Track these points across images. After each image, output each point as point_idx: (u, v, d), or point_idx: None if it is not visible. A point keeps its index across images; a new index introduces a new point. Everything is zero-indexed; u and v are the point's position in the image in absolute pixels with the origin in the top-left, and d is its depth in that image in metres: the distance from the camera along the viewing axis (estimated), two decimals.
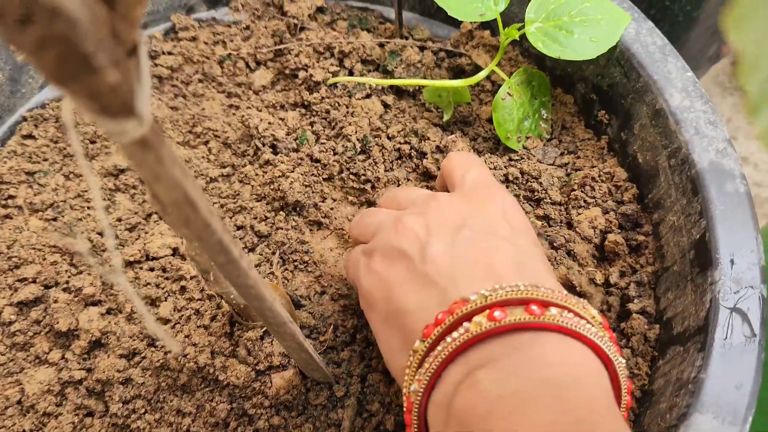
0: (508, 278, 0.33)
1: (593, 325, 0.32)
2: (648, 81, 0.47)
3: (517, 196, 0.50)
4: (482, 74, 0.52)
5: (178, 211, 0.23)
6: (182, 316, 0.46)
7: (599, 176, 0.51)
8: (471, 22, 0.59)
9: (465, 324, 0.31)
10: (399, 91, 0.58)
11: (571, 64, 0.55)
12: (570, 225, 0.49)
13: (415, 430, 0.33)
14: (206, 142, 0.57)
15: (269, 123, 0.55)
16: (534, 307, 0.31)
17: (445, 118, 0.55)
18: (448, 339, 0.31)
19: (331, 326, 0.46)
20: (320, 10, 0.63)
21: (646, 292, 0.46)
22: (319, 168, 0.53)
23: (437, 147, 0.53)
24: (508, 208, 0.40)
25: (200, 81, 0.60)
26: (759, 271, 0.39)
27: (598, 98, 0.53)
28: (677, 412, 0.36)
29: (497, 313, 0.30)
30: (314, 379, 0.43)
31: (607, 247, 0.48)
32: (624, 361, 0.33)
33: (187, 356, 0.44)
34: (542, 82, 0.54)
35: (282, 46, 0.59)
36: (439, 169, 0.53)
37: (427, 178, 0.53)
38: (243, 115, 0.55)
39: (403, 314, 0.35)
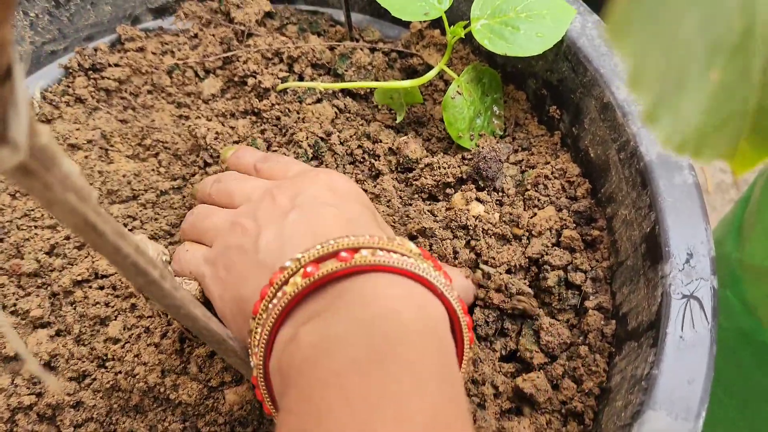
0: (331, 233, 0.35)
1: (411, 258, 0.33)
2: (595, 75, 0.47)
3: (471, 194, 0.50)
4: (431, 74, 0.51)
5: (82, 236, 0.22)
6: (132, 334, 0.45)
7: (552, 173, 0.50)
8: (420, 22, 0.59)
9: (284, 288, 0.32)
10: (351, 95, 0.57)
11: (520, 60, 0.54)
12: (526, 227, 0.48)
13: (269, 404, 0.34)
14: (156, 155, 0.56)
15: (218, 132, 0.53)
16: (344, 254, 0.32)
17: (398, 119, 0.55)
18: (270, 306, 0.32)
19: None
20: (269, 15, 0.62)
21: (602, 287, 0.46)
22: None
23: (390, 149, 0.52)
24: (335, 181, 0.41)
25: (149, 92, 0.59)
26: (709, 263, 0.39)
27: (549, 94, 0.53)
28: (631, 410, 0.35)
29: (310, 269, 0.31)
30: None
31: (563, 243, 0.47)
32: (447, 282, 0.34)
33: (137, 376, 0.43)
34: (493, 79, 0.54)
35: (230, 54, 0.58)
36: (391, 170, 0.52)
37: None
38: (191, 126, 0.54)
39: (245, 303, 0.36)
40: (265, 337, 0.32)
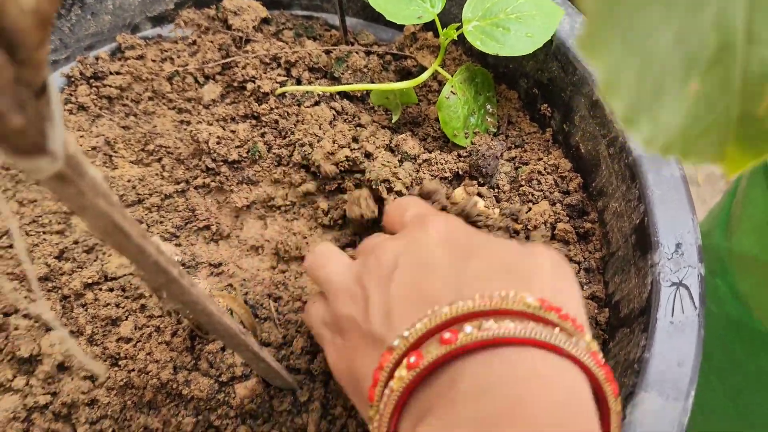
0: (441, 300, 0.31)
1: (529, 319, 0.29)
2: (584, 73, 0.49)
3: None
4: (425, 75, 0.53)
5: (109, 239, 0.23)
6: (143, 333, 0.47)
7: (545, 169, 0.52)
8: (414, 25, 0.60)
9: (390, 384, 0.29)
10: (348, 97, 0.59)
11: (512, 60, 0.56)
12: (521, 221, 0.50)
13: None
14: (159, 159, 0.57)
15: (219, 137, 0.55)
16: (447, 334, 0.28)
17: (394, 119, 0.56)
18: (384, 393, 0.30)
19: (295, 334, 0.47)
20: (265, 21, 0.63)
21: (596, 277, 0.48)
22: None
23: (387, 145, 0.54)
24: (447, 230, 0.36)
25: (150, 99, 0.61)
26: (696, 251, 0.41)
27: (540, 92, 0.55)
28: (624, 392, 0.37)
29: (413, 359, 0.28)
30: (277, 386, 0.44)
31: (557, 236, 0.49)
32: (582, 340, 0.29)
33: (150, 373, 0.44)
34: (485, 79, 0.55)
35: (229, 60, 0.59)
36: None
37: None
38: (192, 131, 0.55)
39: (360, 381, 0.34)
40: (384, 428, 0.30)
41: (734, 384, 0.73)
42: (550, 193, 0.51)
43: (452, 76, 0.53)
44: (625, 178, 0.45)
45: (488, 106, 0.55)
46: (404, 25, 0.61)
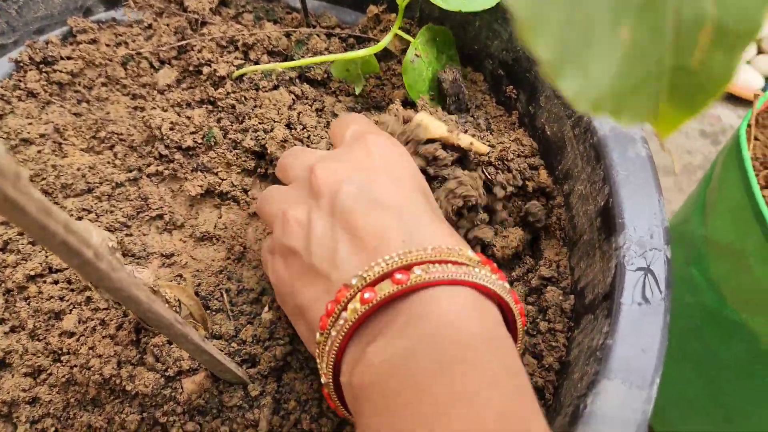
0: (388, 246, 0.34)
1: (469, 266, 0.33)
2: None
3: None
4: (386, 40, 0.51)
5: (9, 215, 0.21)
6: (87, 327, 0.44)
7: (513, 151, 0.50)
8: (377, 6, 0.58)
9: (343, 314, 0.33)
10: (308, 81, 0.57)
11: (476, 41, 0.54)
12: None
13: (342, 410, 0.36)
14: (111, 147, 0.55)
15: (173, 122, 0.53)
16: (399, 275, 0.32)
17: (357, 91, 0.54)
18: (336, 327, 0.33)
19: (246, 325, 0.45)
20: (224, 3, 0.61)
21: (563, 263, 0.46)
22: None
23: None
24: (385, 153, 0.40)
25: (104, 84, 0.58)
26: (662, 233, 0.39)
27: (505, 73, 0.53)
28: (587, 380, 0.35)
29: (367, 294, 0.32)
30: (227, 380, 0.42)
31: (524, 221, 0.47)
32: (507, 285, 0.34)
33: (92, 368, 0.42)
34: (446, 38, 0.53)
35: (184, 43, 0.57)
36: None
37: None
38: (146, 117, 0.53)
39: (304, 310, 0.36)
40: (333, 355, 0.33)
41: (709, 373, 0.72)
42: (518, 175, 0.49)
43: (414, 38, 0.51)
44: (590, 159, 0.43)
45: (452, 65, 0.53)
46: (367, 7, 0.58)
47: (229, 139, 0.53)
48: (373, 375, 0.31)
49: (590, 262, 0.42)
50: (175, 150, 0.53)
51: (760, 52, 1.25)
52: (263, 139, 0.51)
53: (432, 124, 0.45)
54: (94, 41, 0.60)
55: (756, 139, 0.71)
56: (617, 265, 0.38)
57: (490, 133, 0.52)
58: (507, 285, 0.34)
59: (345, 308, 0.33)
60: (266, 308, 0.45)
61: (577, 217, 0.45)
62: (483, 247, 0.47)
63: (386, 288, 0.32)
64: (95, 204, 0.51)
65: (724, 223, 0.65)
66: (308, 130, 0.52)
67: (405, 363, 0.30)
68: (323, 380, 0.35)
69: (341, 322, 0.33)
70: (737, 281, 0.63)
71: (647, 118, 0.18)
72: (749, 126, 0.63)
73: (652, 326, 0.36)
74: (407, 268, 0.32)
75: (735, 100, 1.19)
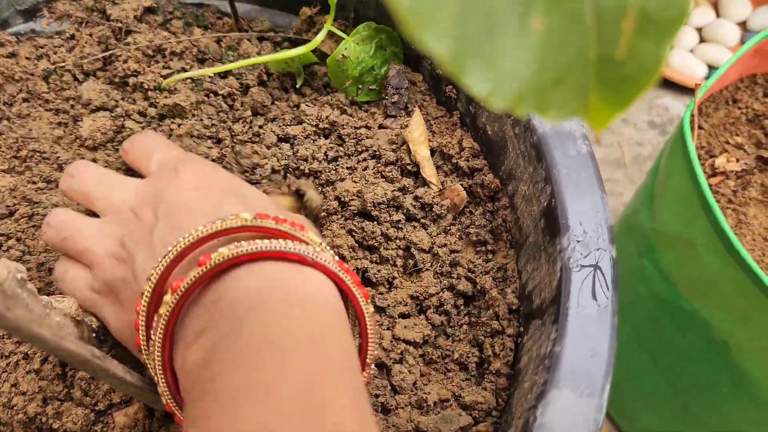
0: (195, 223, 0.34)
1: (278, 233, 0.33)
2: None
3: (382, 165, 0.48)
4: (320, 36, 0.49)
5: None
6: (9, 362, 0.41)
7: (456, 153, 0.49)
8: (311, 8, 0.56)
9: (159, 311, 0.32)
10: (246, 88, 0.54)
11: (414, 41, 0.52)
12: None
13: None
14: (35, 165, 0.52)
15: (103, 134, 0.50)
16: (201, 258, 0.31)
17: (298, 83, 0.53)
18: (157, 332, 0.32)
19: None
20: (150, 10, 0.58)
21: (510, 266, 0.45)
22: None
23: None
24: (193, 172, 0.39)
25: (25, 100, 0.55)
26: (607, 232, 0.38)
27: (443, 74, 0.51)
28: (536, 391, 0.34)
29: (174, 284, 0.31)
30: (161, 409, 0.39)
31: (474, 220, 0.46)
32: (314, 249, 0.33)
33: (15, 407, 0.39)
34: (390, 35, 0.52)
35: (108, 53, 0.54)
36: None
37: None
38: (72, 132, 0.50)
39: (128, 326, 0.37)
40: (159, 364, 0.33)
41: (666, 362, 0.72)
42: (460, 178, 0.48)
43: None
44: (531, 158, 0.42)
45: (394, 63, 0.52)
46: (300, 10, 0.56)
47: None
48: (191, 381, 0.30)
49: (536, 265, 0.41)
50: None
51: (702, 40, 1.26)
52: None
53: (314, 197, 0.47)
54: (12, 55, 0.56)
55: (700, 128, 0.71)
56: (562, 267, 0.37)
57: (432, 134, 0.51)
58: (327, 249, 0.34)
59: (152, 315, 0.32)
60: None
61: (522, 218, 0.44)
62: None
63: (192, 274, 0.31)
64: (16, 228, 0.48)
65: (671, 213, 0.65)
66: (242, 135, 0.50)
67: (212, 361, 0.29)
68: (159, 389, 0.33)
69: (157, 320, 0.32)
70: (688, 271, 0.63)
71: (577, 112, 0.17)
72: (692, 115, 0.63)
73: (600, 329, 0.35)
74: (208, 252, 0.32)
75: (682, 90, 1.20)
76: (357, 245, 0.45)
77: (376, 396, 0.41)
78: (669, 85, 1.20)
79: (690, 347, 0.68)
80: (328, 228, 0.46)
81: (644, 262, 0.70)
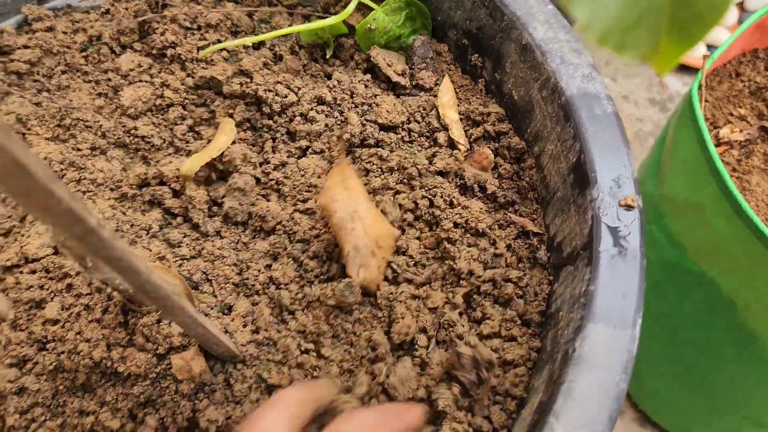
0: None
1: None
2: (512, 18, 0.48)
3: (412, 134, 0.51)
4: (351, 6, 0.52)
5: (10, 182, 0.21)
6: (71, 313, 0.44)
7: (481, 118, 0.51)
8: None
9: None
10: (279, 58, 0.56)
11: (439, 11, 0.55)
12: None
13: None
14: (79, 133, 0.54)
15: (144, 102, 0.52)
16: None
17: (328, 54, 0.56)
18: None
19: (234, 302, 0.45)
20: None
21: (538, 222, 0.47)
22: None
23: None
24: None
25: (64, 72, 0.57)
26: (633, 184, 0.41)
27: (469, 43, 0.54)
28: (573, 326, 0.37)
29: None
30: (218, 356, 0.42)
31: (502, 175, 0.49)
32: None
33: (81, 353, 0.42)
34: (420, 9, 0.55)
35: (146, 26, 0.56)
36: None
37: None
38: (113, 102, 0.52)
39: None
40: None
41: (671, 325, 0.75)
42: (486, 142, 0.50)
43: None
44: (559, 119, 0.45)
45: (420, 34, 0.55)
46: None
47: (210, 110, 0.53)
48: None
49: (565, 217, 0.44)
50: (144, 136, 0.52)
51: None
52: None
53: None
54: (50, 29, 0.58)
55: (705, 101, 0.74)
56: (593, 216, 0.40)
57: (459, 103, 0.53)
58: None
59: None
60: None
61: (549, 176, 0.47)
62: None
63: None
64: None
65: (680, 181, 0.68)
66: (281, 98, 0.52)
67: None
68: None
69: None
70: (696, 235, 0.66)
71: (648, 55, 0.19)
72: (700, 86, 0.66)
73: (630, 271, 0.38)
74: None
75: (682, 69, 1.23)
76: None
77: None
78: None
79: (695, 310, 0.71)
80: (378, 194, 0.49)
81: (652, 228, 0.73)
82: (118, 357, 0.41)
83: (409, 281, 0.46)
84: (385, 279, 0.47)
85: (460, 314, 0.45)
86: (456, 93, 0.54)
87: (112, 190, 0.51)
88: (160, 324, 0.42)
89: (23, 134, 0.54)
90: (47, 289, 0.46)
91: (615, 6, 0.17)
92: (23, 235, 0.49)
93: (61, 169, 0.51)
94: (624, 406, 0.95)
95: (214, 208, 0.51)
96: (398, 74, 0.54)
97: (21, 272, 0.46)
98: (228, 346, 0.41)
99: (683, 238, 0.68)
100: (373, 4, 0.53)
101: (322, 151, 0.52)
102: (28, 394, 0.43)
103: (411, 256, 0.47)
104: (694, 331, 0.73)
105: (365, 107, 0.53)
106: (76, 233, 0.25)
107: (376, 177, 0.50)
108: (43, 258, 0.47)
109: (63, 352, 0.43)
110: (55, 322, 0.44)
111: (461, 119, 0.52)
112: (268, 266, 0.48)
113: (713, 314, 0.69)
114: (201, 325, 0.36)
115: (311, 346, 0.44)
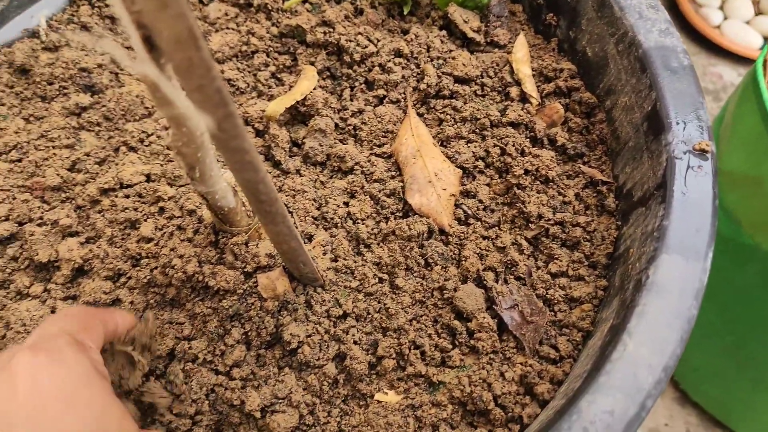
0: None
1: None
2: None
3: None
4: None
5: (180, 52, 0.24)
6: (164, 233, 0.47)
7: (553, 74, 0.53)
8: None
9: None
10: (360, 11, 0.59)
11: None
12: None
13: None
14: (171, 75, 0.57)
15: (231, 47, 0.55)
16: None
17: (405, 11, 0.58)
18: None
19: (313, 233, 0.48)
20: None
21: (606, 173, 0.49)
22: None
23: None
24: (39, 391, 0.32)
25: None
26: (707, 130, 0.42)
27: (545, 2, 0.56)
28: (646, 257, 0.39)
29: None
30: (301, 277, 0.45)
31: (572, 129, 0.51)
32: None
33: (175, 267, 0.45)
34: None
35: None
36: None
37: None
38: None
39: None
40: None
41: (722, 299, 0.76)
42: (557, 97, 0.52)
43: None
44: (635, 71, 0.47)
45: None
46: None
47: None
48: None
49: (637, 164, 0.45)
50: (229, 79, 0.55)
51: (758, 13, 1.29)
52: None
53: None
54: None
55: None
56: (668, 158, 0.41)
57: (531, 60, 0.55)
58: None
59: None
60: None
61: (621, 127, 0.48)
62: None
63: None
64: (154, 127, 0.54)
65: (739, 155, 0.69)
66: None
67: None
68: None
69: None
70: (752, 206, 0.67)
71: None
72: (765, 60, 0.67)
73: (702, 209, 0.39)
74: None
75: (736, 58, 1.23)
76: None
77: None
78: (724, 53, 1.23)
79: (748, 284, 0.72)
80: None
81: None
82: (209, 272, 0.44)
83: (479, 221, 0.49)
84: (457, 220, 0.49)
85: (527, 256, 0.47)
86: (529, 51, 0.56)
87: None
88: (248, 246, 0.45)
89: (116, 74, 0.57)
90: (141, 212, 0.49)
91: None
92: (117, 164, 0.52)
93: (152, 107, 0.55)
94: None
95: (294, 149, 0.54)
96: (474, 31, 0.56)
97: (116, 196, 0.50)
98: (313, 266, 0.43)
99: (739, 211, 0.69)
100: None
101: (397, 101, 0.55)
102: (122, 305, 0.46)
103: (481, 200, 0.50)
104: (746, 305, 0.74)
105: (441, 61, 0.55)
106: (218, 115, 0.27)
107: (449, 126, 0.52)
108: (136, 184, 0.50)
109: (156, 267, 0.46)
110: (149, 240, 0.47)
111: (533, 75, 0.54)
112: (346, 203, 0.50)
113: (766, 288, 0.70)
114: (296, 238, 0.39)
115: (386, 276, 0.47)
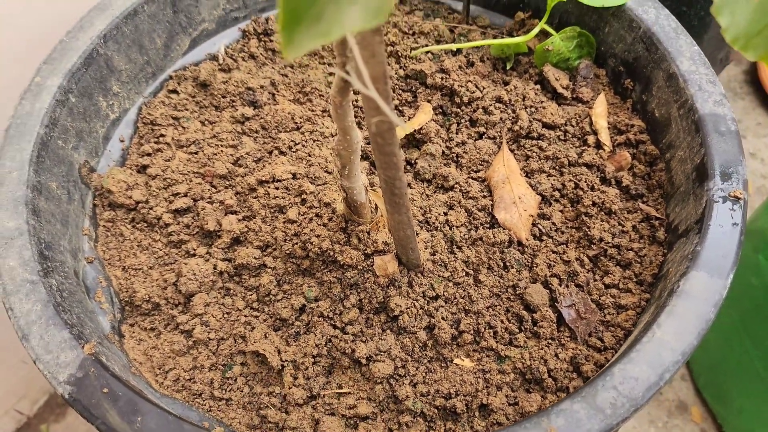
0: None
1: None
2: (664, 52, 0.62)
3: (564, 140, 0.65)
4: (534, 31, 0.67)
5: (376, 84, 0.37)
6: (306, 218, 0.61)
7: (625, 129, 0.65)
8: (524, 12, 0.74)
9: None
10: (471, 64, 0.73)
11: (604, 43, 0.69)
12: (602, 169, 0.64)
13: None
14: (312, 100, 0.72)
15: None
16: None
17: (508, 66, 0.71)
18: None
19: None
20: (401, 1, 0.78)
21: (660, 211, 0.60)
22: None
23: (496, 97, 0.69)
24: None
25: (306, 55, 0.76)
26: (742, 182, 0.53)
27: (624, 69, 0.68)
28: (680, 273, 0.50)
29: None
30: (407, 263, 0.58)
31: (637, 173, 0.62)
32: None
33: (313, 242, 0.59)
34: (588, 39, 0.70)
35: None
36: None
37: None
38: None
39: None
40: None
41: (767, 346, 0.84)
42: (628, 148, 0.64)
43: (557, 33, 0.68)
44: (690, 131, 0.58)
45: (585, 59, 0.70)
46: (515, 13, 0.75)
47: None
48: None
49: (684, 205, 0.57)
50: (360, 107, 0.70)
51: None
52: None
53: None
54: None
55: None
56: (707, 200, 0.53)
57: (609, 116, 0.68)
58: None
59: None
60: None
61: (676, 176, 0.60)
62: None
63: None
64: (301, 138, 0.69)
65: None
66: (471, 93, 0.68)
67: None
68: None
69: None
70: None
71: (763, 56, 0.33)
72: None
73: (731, 241, 0.50)
74: None
75: None
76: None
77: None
78: None
79: None
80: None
81: (759, 257, 0.83)
82: (338, 250, 0.58)
83: (551, 238, 0.61)
84: (533, 235, 0.61)
85: (587, 270, 0.59)
86: (607, 108, 0.68)
87: None
88: (370, 233, 0.58)
89: (273, 94, 0.73)
90: (287, 200, 0.63)
91: (745, 20, 0.31)
92: (270, 163, 0.67)
93: (301, 122, 0.70)
94: (708, 428, 1.03)
95: (407, 167, 0.67)
96: (563, 87, 0.69)
97: (269, 186, 0.65)
98: (418, 254, 0.56)
99: None
100: (551, 31, 0.68)
101: (494, 137, 0.68)
102: (266, 270, 0.60)
103: (554, 223, 0.62)
104: None
105: (533, 109, 0.68)
106: (383, 127, 0.41)
107: (534, 161, 0.65)
108: (285, 180, 0.65)
109: (297, 243, 0.60)
110: (293, 222, 0.61)
111: (608, 128, 0.66)
112: (445, 213, 0.63)
113: None
114: (411, 227, 0.52)
115: (471, 272, 0.59)
